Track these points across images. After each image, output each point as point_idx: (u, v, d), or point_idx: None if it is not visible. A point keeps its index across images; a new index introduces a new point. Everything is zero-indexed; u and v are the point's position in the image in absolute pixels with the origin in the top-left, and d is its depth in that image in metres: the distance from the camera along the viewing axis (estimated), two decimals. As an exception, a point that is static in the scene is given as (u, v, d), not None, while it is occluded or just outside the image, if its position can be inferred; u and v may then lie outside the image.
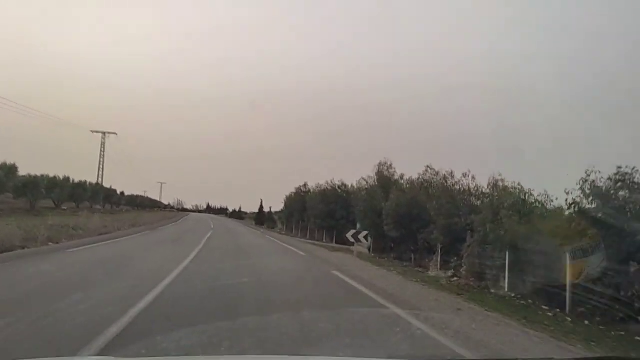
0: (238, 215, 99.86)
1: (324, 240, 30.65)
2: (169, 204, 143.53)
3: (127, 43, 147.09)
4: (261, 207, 70.81)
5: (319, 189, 36.16)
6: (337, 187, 30.71)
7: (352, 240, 14.36)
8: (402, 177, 19.94)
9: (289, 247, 20.03)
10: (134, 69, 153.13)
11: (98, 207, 54.30)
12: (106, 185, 64.98)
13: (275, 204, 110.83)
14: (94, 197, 49.84)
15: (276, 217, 64.33)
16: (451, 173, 16.53)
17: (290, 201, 42.79)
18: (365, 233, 14.02)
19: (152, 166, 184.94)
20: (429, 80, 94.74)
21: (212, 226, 39.03)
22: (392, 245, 18.02)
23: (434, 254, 14.89)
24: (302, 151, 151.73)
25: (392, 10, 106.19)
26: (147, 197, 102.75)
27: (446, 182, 16.77)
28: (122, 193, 73.59)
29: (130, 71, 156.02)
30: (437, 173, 17.90)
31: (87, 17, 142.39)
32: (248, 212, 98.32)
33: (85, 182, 45.81)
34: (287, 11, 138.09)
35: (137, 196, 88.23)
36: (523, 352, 4.95)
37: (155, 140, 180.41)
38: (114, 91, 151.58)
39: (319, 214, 29.53)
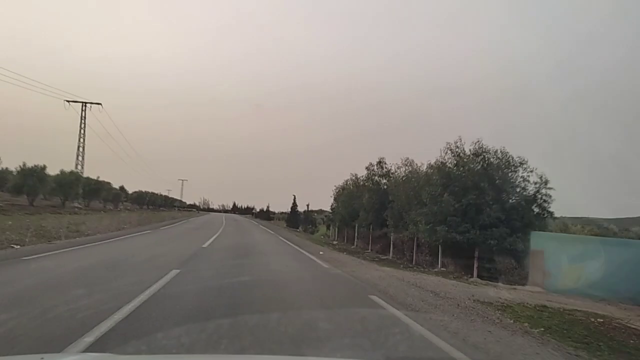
0: (265, 215, 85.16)
1: (446, 267, 14.69)
2: (193, 203, 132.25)
3: (147, 41, 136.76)
4: (294, 205, 54.14)
5: (407, 165, 20.18)
6: (474, 156, 14.43)
7: None
8: None
9: None
10: (156, 66, 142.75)
11: (76, 204, 40.02)
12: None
13: (313, 202, 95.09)
14: (65, 190, 35.48)
15: (316, 218, 48.75)
16: None
17: (348, 193, 26.78)
18: None
19: (176, 165, 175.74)
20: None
21: (211, 241, 18.07)
22: None
23: None
24: (338, 149, 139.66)
25: None
26: (161, 195, 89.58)
27: None
28: (122, 188, 59.67)
29: (153, 67, 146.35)
30: None
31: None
32: (277, 211, 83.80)
33: (44, 168, 31.38)
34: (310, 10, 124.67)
35: (146, 192, 74.42)
36: None
37: (179, 139, 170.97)
38: (140, 89, 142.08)
39: (440, 213, 13.47)
